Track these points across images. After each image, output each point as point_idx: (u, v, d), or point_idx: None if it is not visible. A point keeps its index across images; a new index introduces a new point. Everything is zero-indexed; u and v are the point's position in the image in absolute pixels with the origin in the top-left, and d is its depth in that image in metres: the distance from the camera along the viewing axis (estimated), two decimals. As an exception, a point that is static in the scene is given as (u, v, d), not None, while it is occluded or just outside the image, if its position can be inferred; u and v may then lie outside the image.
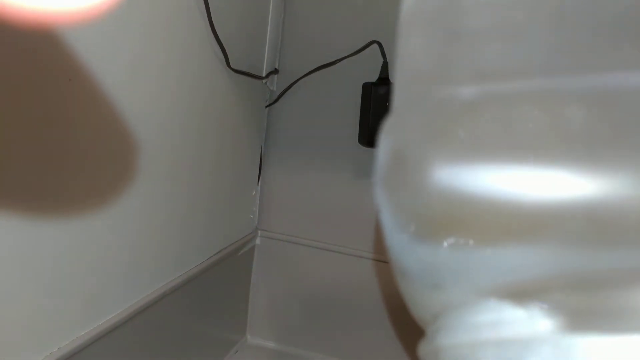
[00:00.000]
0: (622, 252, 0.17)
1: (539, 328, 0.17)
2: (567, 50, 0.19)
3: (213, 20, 0.53)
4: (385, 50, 0.69)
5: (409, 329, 0.74)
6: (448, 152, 0.20)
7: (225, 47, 0.57)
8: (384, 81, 0.68)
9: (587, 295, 0.17)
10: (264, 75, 0.72)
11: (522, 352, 0.18)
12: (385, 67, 0.69)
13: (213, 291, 0.67)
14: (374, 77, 0.69)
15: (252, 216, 0.78)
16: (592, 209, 0.17)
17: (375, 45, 0.69)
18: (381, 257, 0.75)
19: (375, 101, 0.67)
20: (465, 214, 0.19)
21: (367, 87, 0.69)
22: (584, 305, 0.17)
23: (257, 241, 0.79)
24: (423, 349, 0.23)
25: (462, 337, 0.20)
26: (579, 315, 0.17)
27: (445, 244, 0.20)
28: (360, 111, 0.70)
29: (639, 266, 0.17)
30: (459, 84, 0.21)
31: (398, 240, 0.22)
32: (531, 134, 0.18)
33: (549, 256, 0.18)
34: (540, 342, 0.17)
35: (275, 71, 0.75)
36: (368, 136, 0.68)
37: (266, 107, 0.76)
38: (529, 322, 0.18)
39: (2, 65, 0.32)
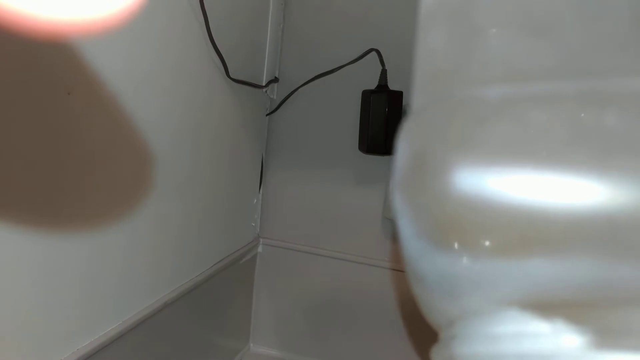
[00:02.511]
0: None
1: (564, 343, 0.16)
2: (601, 49, 0.18)
3: (212, 30, 0.54)
4: (383, 57, 0.69)
5: (414, 336, 0.73)
6: (471, 157, 0.19)
7: (225, 57, 0.58)
8: (382, 88, 0.69)
9: (614, 311, 0.16)
10: (264, 84, 0.72)
11: None
12: (383, 74, 0.69)
13: (216, 299, 0.68)
14: (372, 85, 0.69)
15: (253, 224, 0.78)
16: (620, 221, 0.16)
17: (373, 53, 0.70)
18: (384, 264, 0.75)
19: (374, 108, 0.67)
20: (488, 222, 0.18)
21: (366, 94, 0.69)
22: (611, 321, 0.16)
23: (259, 249, 0.79)
24: (437, 354, 0.22)
25: (480, 347, 0.19)
26: (606, 332, 0.16)
27: (465, 252, 0.19)
28: (360, 118, 0.71)
29: None
30: (483, 83, 0.20)
31: (415, 247, 0.21)
32: (561, 140, 0.17)
33: (576, 268, 0.17)
34: (564, 358, 0.16)
35: (275, 80, 0.75)
36: (368, 143, 0.68)
37: (267, 115, 0.77)
38: (553, 336, 0.17)
39: (22, 78, 0.32)
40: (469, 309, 0.20)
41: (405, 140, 0.23)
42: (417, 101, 0.24)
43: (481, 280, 0.19)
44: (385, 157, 0.71)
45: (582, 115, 0.17)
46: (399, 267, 0.73)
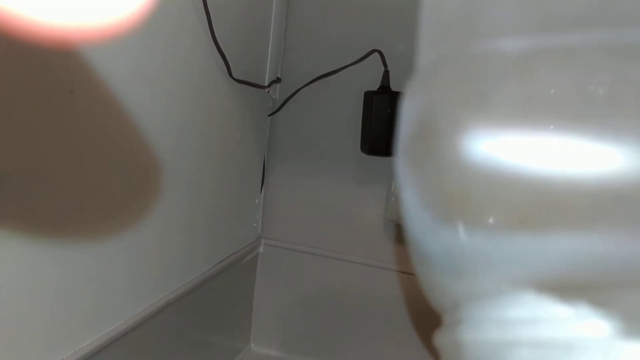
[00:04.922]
0: None
1: (587, 330, 0.15)
2: None
3: (214, 30, 0.54)
4: (385, 58, 0.69)
5: (415, 337, 0.73)
6: (486, 119, 0.17)
7: (227, 56, 0.58)
8: (385, 89, 0.69)
9: None
10: (266, 84, 0.72)
11: (564, 356, 0.15)
12: (386, 75, 0.69)
13: (217, 299, 0.68)
14: (375, 86, 0.69)
15: (255, 224, 0.78)
16: None
17: (376, 54, 0.70)
18: (385, 265, 0.75)
19: (377, 109, 0.67)
20: (503, 192, 0.16)
21: (368, 96, 0.69)
22: None
23: (261, 249, 0.79)
24: (441, 339, 0.20)
25: (490, 333, 0.17)
26: (636, 318, 0.14)
27: (476, 226, 0.16)
28: (362, 119, 0.71)
29: None
30: (501, 35, 0.17)
31: (420, 221, 0.19)
32: (594, 101, 0.15)
33: (601, 244, 0.15)
34: (586, 346, 0.14)
35: (277, 80, 0.75)
36: (370, 144, 0.68)
37: (269, 115, 0.77)
38: (575, 322, 0.15)
39: (25, 77, 0.32)
40: (478, 290, 0.18)
41: (411, 102, 0.20)
42: (423, 58, 0.21)
43: (493, 257, 0.17)
44: (388, 159, 0.71)
45: (624, 70, 0.15)
46: (400, 269, 0.73)
